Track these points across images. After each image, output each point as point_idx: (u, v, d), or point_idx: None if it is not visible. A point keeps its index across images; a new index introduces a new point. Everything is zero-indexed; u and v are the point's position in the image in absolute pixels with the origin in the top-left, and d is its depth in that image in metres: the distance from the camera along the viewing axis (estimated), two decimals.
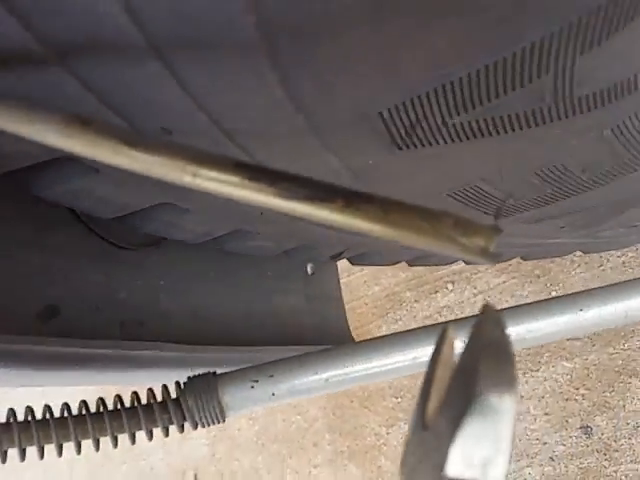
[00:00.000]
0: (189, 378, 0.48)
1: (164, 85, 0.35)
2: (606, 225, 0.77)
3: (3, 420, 0.42)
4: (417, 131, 0.43)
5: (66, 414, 0.44)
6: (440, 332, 0.31)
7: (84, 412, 0.45)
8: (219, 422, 0.47)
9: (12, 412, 0.43)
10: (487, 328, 0.25)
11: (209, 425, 0.47)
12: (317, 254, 0.76)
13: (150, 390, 0.48)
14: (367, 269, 1.81)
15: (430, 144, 0.45)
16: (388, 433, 1.76)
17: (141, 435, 0.46)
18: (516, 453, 1.50)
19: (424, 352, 0.46)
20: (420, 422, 0.25)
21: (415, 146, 0.45)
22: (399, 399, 1.75)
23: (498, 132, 0.46)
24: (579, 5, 0.35)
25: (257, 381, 0.47)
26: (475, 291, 1.69)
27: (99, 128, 0.30)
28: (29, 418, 0.43)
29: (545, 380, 1.60)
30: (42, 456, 0.43)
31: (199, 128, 0.38)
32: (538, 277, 1.60)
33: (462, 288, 1.71)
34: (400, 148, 0.45)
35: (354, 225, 0.30)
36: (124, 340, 0.70)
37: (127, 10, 0.32)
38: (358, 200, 0.30)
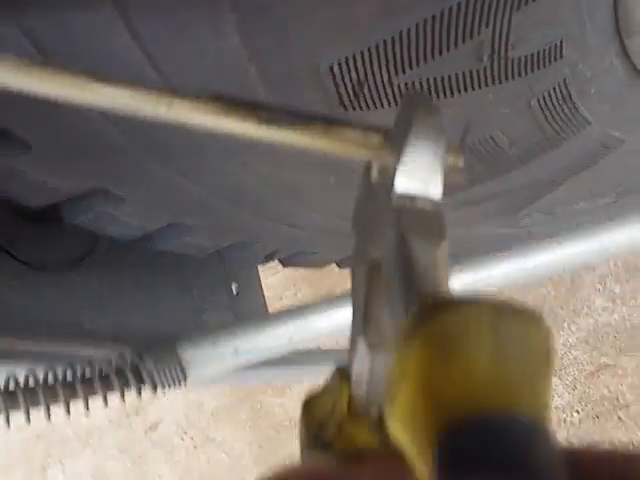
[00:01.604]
0: (146, 343, 0.46)
1: (115, 35, 0.34)
2: (526, 210, 0.81)
3: None
4: (364, 90, 0.43)
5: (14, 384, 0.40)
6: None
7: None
8: (180, 384, 0.44)
9: None
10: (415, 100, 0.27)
11: (170, 387, 0.44)
12: (251, 253, 0.74)
13: (107, 359, 0.45)
14: (285, 299, 1.79)
15: (375, 106, 0.46)
16: None
17: None
18: None
19: None
20: (366, 185, 0.29)
21: (361, 108, 0.45)
22: None
23: (437, 95, 0.47)
24: None
25: (218, 340, 0.44)
26: None
27: (60, 66, 0.28)
28: None
29: None
30: None
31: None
32: None
33: None
34: (346, 109, 0.45)
35: (335, 149, 0.30)
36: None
37: None
38: (337, 124, 0.30)
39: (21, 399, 0.41)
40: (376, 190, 0.28)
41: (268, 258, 0.78)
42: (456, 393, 0.17)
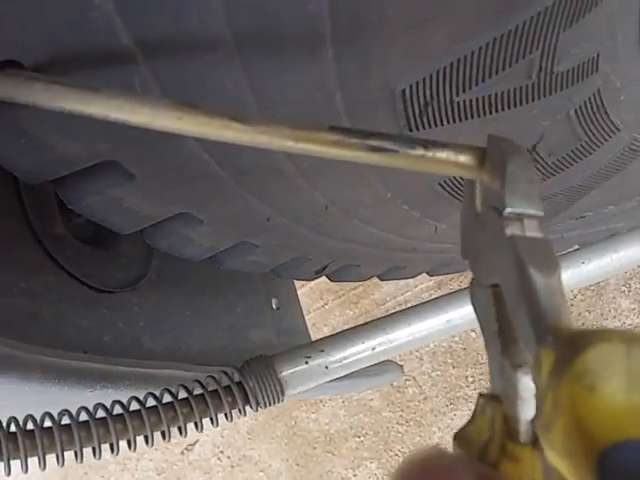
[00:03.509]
0: (246, 362, 0.50)
1: (229, 71, 0.39)
2: (561, 216, 0.85)
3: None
4: (428, 110, 0.48)
5: (137, 406, 0.44)
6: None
7: (148, 405, 0.45)
8: (279, 401, 0.48)
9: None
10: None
11: (270, 405, 0.48)
12: (304, 270, 0.79)
13: (211, 377, 0.49)
14: (314, 312, 1.83)
15: (436, 124, 0.50)
16: (355, 475, 1.75)
17: None
18: None
19: (457, 314, 0.49)
20: (471, 214, 0.32)
21: (424, 127, 0.50)
22: (361, 438, 1.76)
23: (490, 111, 0.52)
24: None
25: (310, 357, 0.49)
26: None
27: (207, 109, 0.33)
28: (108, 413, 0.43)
29: None
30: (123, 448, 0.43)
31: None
32: None
33: None
34: (411, 130, 0.50)
35: (433, 168, 0.34)
36: None
37: None
38: (434, 147, 0.34)
39: (130, 425, 0.44)
40: (482, 217, 0.31)
41: (317, 273, 0.82)
42: (604, 422, 0.19)
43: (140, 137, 0.44)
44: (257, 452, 1.82)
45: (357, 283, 1.80)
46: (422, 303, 0.50)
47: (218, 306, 1.02)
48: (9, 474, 0.39)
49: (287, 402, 1.79)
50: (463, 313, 0.50)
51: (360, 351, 0.49)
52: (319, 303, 1.84)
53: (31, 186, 0.76)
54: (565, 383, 0.20)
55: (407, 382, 1.74)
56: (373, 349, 0.48)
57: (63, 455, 0.40)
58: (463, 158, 0.34)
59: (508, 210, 0.29)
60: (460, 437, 0.27)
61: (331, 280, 0.90)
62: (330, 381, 0.88)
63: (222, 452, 1.85)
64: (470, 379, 1.69)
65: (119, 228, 0.53)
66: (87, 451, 0.43)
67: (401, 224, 0.70)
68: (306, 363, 0.48)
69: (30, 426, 0.41)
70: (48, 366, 0.49)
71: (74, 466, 1.99)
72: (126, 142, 0.44)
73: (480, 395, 0.28)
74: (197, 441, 1.88)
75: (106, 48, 0.37)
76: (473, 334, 1.73)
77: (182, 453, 1.89)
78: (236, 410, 0.47)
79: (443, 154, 0.34)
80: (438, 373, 1.73)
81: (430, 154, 0.33)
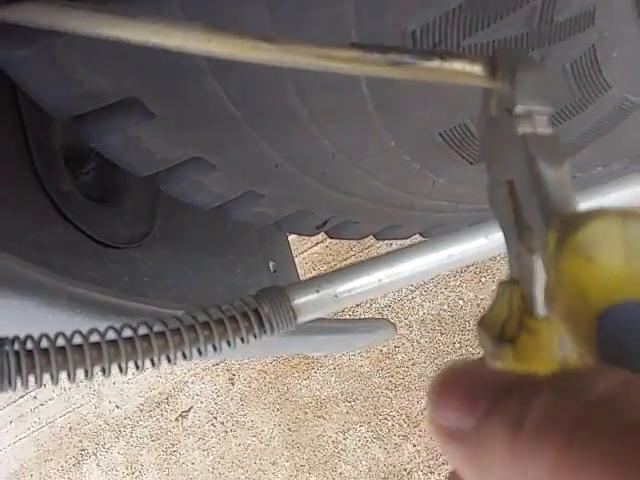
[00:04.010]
0: (261, 290, 0.52)
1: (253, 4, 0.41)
2: None
3: None
4: None
5: (161, 328, 0.47)
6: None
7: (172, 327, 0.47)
8: (291, 327, 0.51)
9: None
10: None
11: (284, 329, 0.51)
12: (305, 224, 0.81)
13: (229, 303, 0.52)
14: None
15: None
16: (345, 438, 1.79)
17: None
18: None
19: (458, 250, 0.52)
20: (486, 120, 0.34)
21: None
22: (352, 403, 1.80)
23: None
24: None
25: (320, 285, 0.52)
26: None
27: (236, 31, 0.35)
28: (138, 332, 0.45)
29: None
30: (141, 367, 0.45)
31: None
32: None
33: None
34: None
35: (449, 78, 0.37)
36: None
37: None
38: (450, 57, 0.37)
39: (154, 343, 0.47)
40: (497, 120, 0.34)
41: (318, 228, 0.85)
42: (602, 288, 0.21)
43: (163, 74, 0.46)
44: (250, 418, 1.86)
45: (349, 254, 1.84)
46: (424, 240, 0.53)
47: (218, 266, 1.05)
48: (41, 386, 0.41)
49: (279, 369, 1.82)
50: (463, 249, 0.53)
51: (367, 283, 0.52)
52: (312, 274, 1.87)
53: (40, 142, 0.77)
54: (564, 257, 0.22)
55: (396, 348, 1.78)
56: (379, 281, 0.51)
57: (93, 370, 0.43)
58: (477, 68, 0.36)
59: (519, 108, 0.31)
60: (482, 322, 0.30)
61: (330, 237, 0.92)
62: (326, 335, 0.91)
63: (216, 418, 1.89)
64: (457, 345, 1.73)
65: (136, 169, 0.55)
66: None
67: (402, 177, 0.72)
68: (317, 292, 0.51)
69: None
70: (74, 295, 0.51)
71: (68, 434, 2.01)
72: (149, 78, 0.46)
73: (500, 282, 0.31)
74: (191, 408, 1.91)
75: None
76: (461, 302, 1.77)
77: (177, 419, 1.92)
78: (252, 334, 0.49)
79: (458, 65, 0.36)
80: (427, 340, 1.77)
81: (446, 65, 0.36)
